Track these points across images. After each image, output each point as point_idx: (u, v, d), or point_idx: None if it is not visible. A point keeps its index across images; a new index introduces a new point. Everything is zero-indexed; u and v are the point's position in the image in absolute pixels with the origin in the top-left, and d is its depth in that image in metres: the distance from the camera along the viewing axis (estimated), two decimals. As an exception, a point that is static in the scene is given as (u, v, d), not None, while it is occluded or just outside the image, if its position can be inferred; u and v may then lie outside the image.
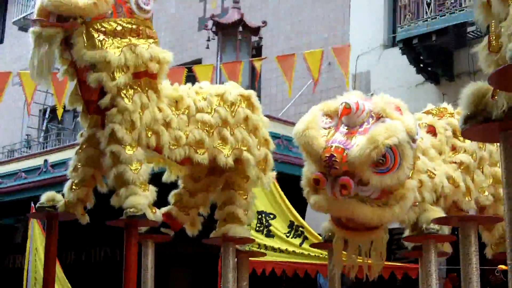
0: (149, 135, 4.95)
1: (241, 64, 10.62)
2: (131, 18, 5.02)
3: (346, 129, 4.21)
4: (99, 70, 4.83)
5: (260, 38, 13.15)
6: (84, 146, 5.09)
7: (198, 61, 14.90)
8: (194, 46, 15.86)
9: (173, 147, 5.07)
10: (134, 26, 5.01)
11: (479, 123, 3.05)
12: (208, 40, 12.72)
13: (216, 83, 10.35)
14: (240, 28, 12.31)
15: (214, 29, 12.60)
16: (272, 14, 14.98)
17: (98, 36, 4.86)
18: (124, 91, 4.87)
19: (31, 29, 4.87)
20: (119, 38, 4.92)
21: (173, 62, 5.18)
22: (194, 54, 15.61)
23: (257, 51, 14.23)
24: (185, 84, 5.59)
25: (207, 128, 5.26)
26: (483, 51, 3.02)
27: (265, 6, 15.29)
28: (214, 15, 13.24)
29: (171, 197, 5.66)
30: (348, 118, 4.23)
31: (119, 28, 4.94)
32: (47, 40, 4.75)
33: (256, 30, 12.65)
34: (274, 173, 5.86)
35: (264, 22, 12.81)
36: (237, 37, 12.25)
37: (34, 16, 4.86)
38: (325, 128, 4.26)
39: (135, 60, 4.90)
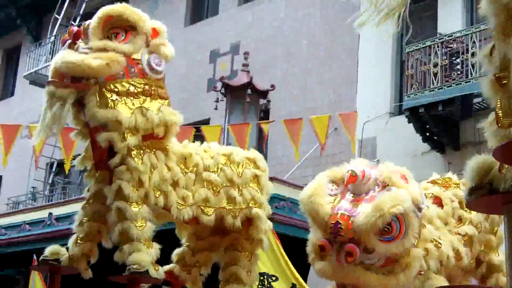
0: (157, 195, 4.96)
1: (248, 126, 10.68)
2: (143, 78, 5.02)
3: (352, 197, 4.26)
4: (110, 129, 4.84)
5: (268, 101, 13.24)
6: (90, 201, 5.08)
7: (206, 121, 15.02)
8: (203, 106, 15.99)
9: (181, 208, 5.06)
10: (146, 87, 5.00)
11: (483, 195, 3.08)
12: (217, 101, 12.80)
13: (223, 144, 10.40)
14: (249, 91, 12.38)
15: (223, 90, 12.70)
16: (281, 78, 15.15)
17: (111, 96, 4.87)
18: (135, 152, 4.89)
19: (45, 90, 4.91)
20: (132, 98, 4.93)
21: (181, 122, 5.16)
22: (203, 114, 15.73)
23: (265, 114, 14.34)
24: (193, 143, 5.59)
25: (214, 187, 5.25)
26: (491, 127, 3.06)
27: (273, 69, 15.48)
28: (224, 77, 13.39)
29: (174, 256, 5.63)
30: (354, 186, 4.29)
31: (131, 88, 4.95)
32: (60, 100, 4.78)
33: (264, 93, 12.75)
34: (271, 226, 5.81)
35: (273, 86, 12.83)
36: (245, 99, 12.32)
37: (49, 78, 4.91)
38: (331, 195, 4.31)
39: (145, 124, 4.92)
